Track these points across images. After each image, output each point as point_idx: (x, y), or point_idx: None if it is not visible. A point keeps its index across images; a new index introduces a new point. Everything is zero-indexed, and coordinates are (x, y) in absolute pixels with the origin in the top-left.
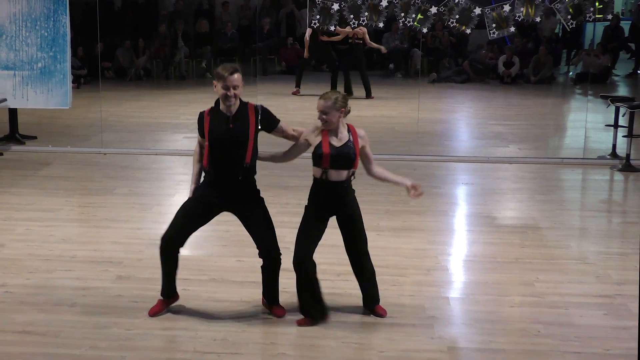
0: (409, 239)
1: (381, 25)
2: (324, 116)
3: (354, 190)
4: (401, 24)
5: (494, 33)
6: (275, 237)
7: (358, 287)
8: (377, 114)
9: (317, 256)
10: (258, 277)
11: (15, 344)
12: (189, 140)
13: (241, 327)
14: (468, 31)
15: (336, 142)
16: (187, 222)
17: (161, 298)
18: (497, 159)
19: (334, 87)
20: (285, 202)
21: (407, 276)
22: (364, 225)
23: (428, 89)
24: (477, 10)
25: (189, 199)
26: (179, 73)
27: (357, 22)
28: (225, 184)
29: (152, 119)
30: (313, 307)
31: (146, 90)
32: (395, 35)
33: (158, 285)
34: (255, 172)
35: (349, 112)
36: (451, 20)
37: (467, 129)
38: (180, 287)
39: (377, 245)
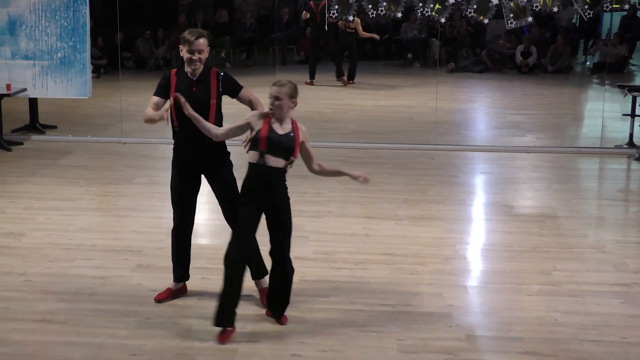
0: (428, 228)
1: (399, 15)
2: (276, 102)
3: (286, 186)
4: (419, 14)
5: (511, 23)
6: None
7: (377, 275)
8: (396, 104)
9: (336, 245)
10: None
11: (35, 332)
12: None
13: (260, 315)
14: (486, 21)
15: (279, 130)
16: (184, 197)
17: (169, 287)
18: (515, 148)
19: (352, 77)
20: (304, 191)
21: (425, 265)
22: (292, 228)
23: (446, 78)
24: (495, 0)
25: (172, 178)
26: None
27: (375, 12)
28: (194, 145)
29: None
30: (226, 310)
31: None
32: (414, 25)
33: None
34: None
35: (295, 105)
36: (469, 10)
37: (485, 118)
38: (199, 276)
39: (395, 234)
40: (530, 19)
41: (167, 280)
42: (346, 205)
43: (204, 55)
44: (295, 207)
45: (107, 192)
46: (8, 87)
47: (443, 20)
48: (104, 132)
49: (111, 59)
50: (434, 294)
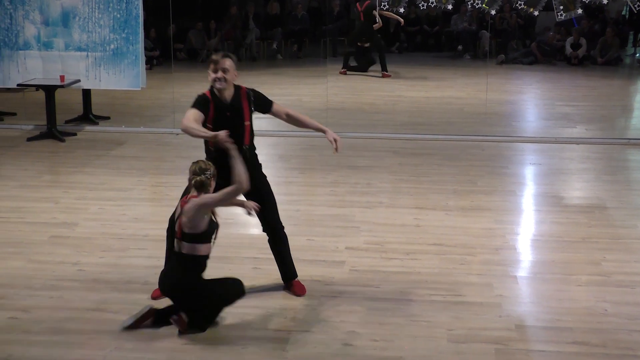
0: (477, 219)
1: (450, 7)
2: None
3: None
4: (470, 6)
5: (561, 15)
6: (277, 212)
7: (427, 266)
8: (446, 95)
9: (387, 235)
10: (328, 256)
11: (88, 321)
12: (265, 121)
13: (311, 305)
14: (536, 13)
15: None
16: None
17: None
18: (564, 139)
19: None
20: (355, 182)
21: (475, 255)
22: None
23: (496, 70)
24: None
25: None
26: (250, 55)
27: (425, 4)
28: (228, 164)
29: None
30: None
31: None
32: (464, 17)
33: (230, 264)
34: (255, 148)
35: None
36: (519, 2)
37: (535, 109)
38: (250, 265)
39: (445, 225)
40: (580, 11)
41: (219, 270)
42: (397, 196)
43: (230, 76)
44: (346, 198)
45: (160, 183)
46: (62, 78)
47: (493, 12)
48: (157, 123)
49: (164, 50)
50: (483, 284)
